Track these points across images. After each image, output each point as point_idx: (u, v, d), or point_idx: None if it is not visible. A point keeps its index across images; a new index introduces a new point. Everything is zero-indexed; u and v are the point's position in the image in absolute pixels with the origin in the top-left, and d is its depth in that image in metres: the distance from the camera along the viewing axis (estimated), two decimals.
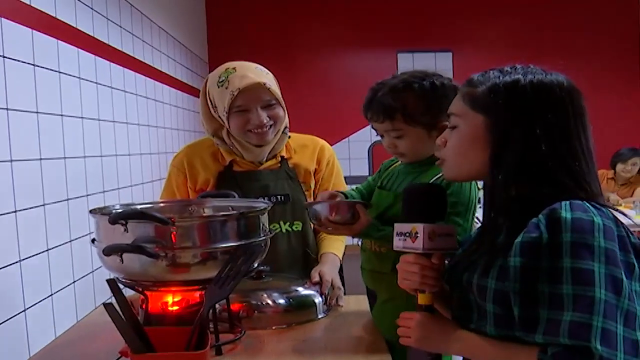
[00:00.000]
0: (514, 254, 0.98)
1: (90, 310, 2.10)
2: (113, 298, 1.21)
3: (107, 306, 1.06)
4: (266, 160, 1.85)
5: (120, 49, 3.04)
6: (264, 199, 1.76)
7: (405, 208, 1.20)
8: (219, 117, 1.80)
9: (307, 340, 1.46)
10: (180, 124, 4.30)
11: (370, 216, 1.46)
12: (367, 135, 5.79)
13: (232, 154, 1.85)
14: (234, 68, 1.76)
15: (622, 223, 1.00)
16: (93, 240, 1.40)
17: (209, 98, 1.82)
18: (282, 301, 1.56)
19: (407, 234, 1.14)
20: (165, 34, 4.04)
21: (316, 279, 1.66)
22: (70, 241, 2.23)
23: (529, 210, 1.01)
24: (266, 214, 1.49)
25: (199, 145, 1.94)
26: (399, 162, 1.59)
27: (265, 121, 1.75)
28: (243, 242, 1.35)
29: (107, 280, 1.19)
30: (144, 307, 1.39)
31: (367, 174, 6.11)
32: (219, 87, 1.76)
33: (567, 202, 0.97)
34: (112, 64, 2.88)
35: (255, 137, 1.78)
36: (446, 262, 1.18)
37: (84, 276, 2.34)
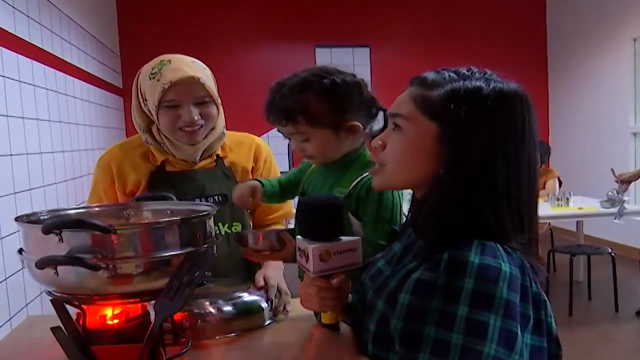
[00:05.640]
0: (405, 291, 0.90)
1: (21, 307, 1.95)
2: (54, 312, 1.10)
3: (55, 330, 0.95)
4: (200, 160, 1.76)
5: (27, 39, 2.82)
6: (200, 200, 1.67)
7: (298, 224, 1.11)
8: (149, 111, 1.69)
9: (257, 349, 1.39)
10: (93, 119, 4.07)
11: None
12: None
13: (163, 153, 1.74)
14: (169, 60, 1.66)
15: (528, 269, 0.93)
16: (20, 251, 1.26)
17: (140, 91, 1.70)
18: (227, 308, 1.47)
19: (303, 252, 1.05)
20: (75, 25, 3.79)
21: (261, 283, 1.59)
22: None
23: (447, 237, 0.92)
24: (212, 217, 1.41)
25: (127, 144, 1.80)
26: None
27: (196, 118, 1.65)
28: (191, 249, 1.26)
29: (51, 300, 1.07)
30: (81, 322, 1.27)
31: (288, 169, 6.05)
32: (150, 79, 1.64)
33: (479, 244, 0.89)
34: (19, 55, 2.67)
35: (184, 136, 1.67)
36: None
37: (14, 273, 2.20)
